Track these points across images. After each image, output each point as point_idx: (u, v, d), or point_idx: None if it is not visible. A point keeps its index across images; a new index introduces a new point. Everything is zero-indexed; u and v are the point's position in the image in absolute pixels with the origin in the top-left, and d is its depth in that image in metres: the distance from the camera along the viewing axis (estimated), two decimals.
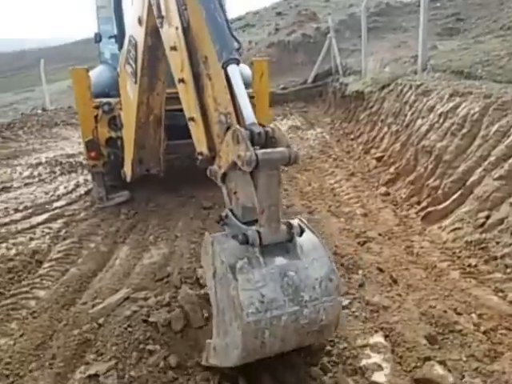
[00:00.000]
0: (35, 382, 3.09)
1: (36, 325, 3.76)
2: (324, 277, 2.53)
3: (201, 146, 3.00)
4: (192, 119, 3.11)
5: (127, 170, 5.82)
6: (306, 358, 3.21)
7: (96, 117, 6.37)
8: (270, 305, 2.38)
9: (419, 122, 7.28)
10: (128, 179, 5.90)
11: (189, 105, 3.15)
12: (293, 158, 2.49)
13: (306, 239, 2.63)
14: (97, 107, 6.34)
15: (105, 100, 6.36)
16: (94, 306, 3.94)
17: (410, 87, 8.25)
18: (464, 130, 6.10)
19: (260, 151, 2.44)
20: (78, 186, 7.98)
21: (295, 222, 2.64)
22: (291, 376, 3.00)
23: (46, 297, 4.23)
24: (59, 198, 7.31)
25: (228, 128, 2.73)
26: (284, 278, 2.45)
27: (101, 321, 3.68)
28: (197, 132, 3.08)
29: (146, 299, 3.85)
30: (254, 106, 7.09)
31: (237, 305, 2.36)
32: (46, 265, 4.91)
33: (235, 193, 2.77)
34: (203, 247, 2.81)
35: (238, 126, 2.62)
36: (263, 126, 2.62)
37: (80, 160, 9.67)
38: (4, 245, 5.40)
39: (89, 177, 7.72)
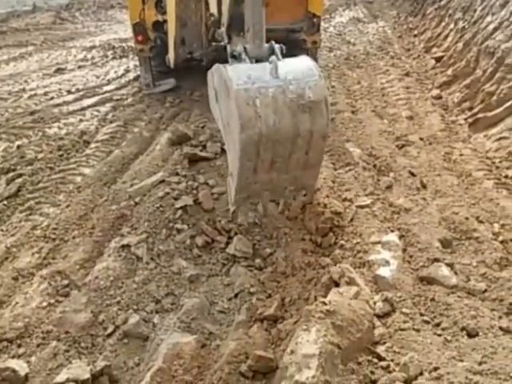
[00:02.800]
0: (76, 247, 3.50)
1: (80, 198, 4.14)
2: (305, 67, 2.99)
3: (212, 7, 3.65)
4: None
5: (171, 54, 5.79)
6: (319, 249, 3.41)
7: None
8: (256, 80, 2.80)
9: (488, 18, 6.57)
10: (172, 64, 5.87)
11: None
12: None
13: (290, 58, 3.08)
14: None
15: None
16: (132, 185, 4.24)
17: None
18: None
19: None
20: (127, 71, 8.11)
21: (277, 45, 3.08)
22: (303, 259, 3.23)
23: (90, 174, 4.59)
24: (109, 82, 7.51)
25: None
26: (269, 66, 2.88)
27: (137, 199, 3.99)
28: None
29: (178, 183, 4.09)
30: None
31: (228, 82, 2.79)
32: (92, 145, 5.24)
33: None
34: (208, 86, 3.43)
35: None
36: None
37: (132, 45, 9.67)
38: (56, 124, 5.77)
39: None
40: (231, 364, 2.43)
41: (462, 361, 2.14)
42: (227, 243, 3.58)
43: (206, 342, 2.71)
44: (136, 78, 7.61)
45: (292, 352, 2.03)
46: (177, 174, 4.30)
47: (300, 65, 3.03)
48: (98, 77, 7.78)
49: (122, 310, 2.92)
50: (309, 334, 2.06)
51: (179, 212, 3.74)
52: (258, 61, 3.08)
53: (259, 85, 2.79)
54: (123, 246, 3.44)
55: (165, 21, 6.06)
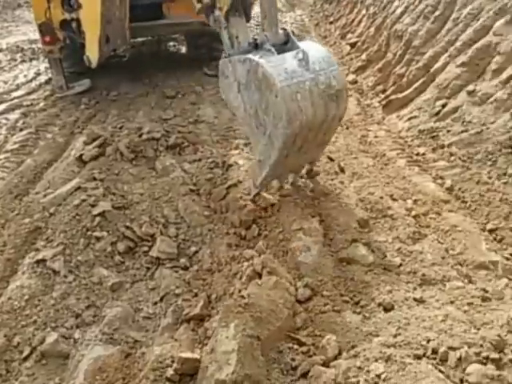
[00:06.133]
0: None
1: None
2: (324, 55, 3.26)
3: None
4: None
5: (92, 53, 5.53)
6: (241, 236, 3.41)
7: None
8: (293, 74, 3.04)
9: (396, 3, 6.87)
10: (93, 64, 5.60)
11: None
12: None
13: (302, 41, 3.37)
14: None
15: None
16: (46, 195, 4.01)
17: None
18: (437, 13, 5.81)
19: None
20: (38, 74, 7.67)
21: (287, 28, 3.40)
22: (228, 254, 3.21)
23: None
24: (18, 87, 7.06)
25: None
26: (296, 57, 3.14)
27: (52, 210, 3.78)
28: None
29: (95, 188, 3.92)
30: None
31: (269, 78, 2.98)
32: (1, 156, 4.89)
33: (237, 37, 3.36)
34: (220, 76, 3.46)
35: None
36: None
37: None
38: None
39: None
40: (156, 370, 2.35)
41: (378, 336, 2.21)
42: (151, 246, 3.49)
43: (130, 351, 2.61)
44: (48, 81, 7.21)
45: (212, 350, 2.00)
46: (94, 179, 4.12)
47: (319, 53, 3.26)
48: (5, 82, 7.28)
49: (39, 330, 2.75)
50: (228, 330, 2.04)
51: (97, 219, 3.58)
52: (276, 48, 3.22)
53: (298, 79, 3.04)
54: (38, 261, 3.25)
55: (73, 19, 5.78)
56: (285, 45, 3.33)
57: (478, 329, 2.17)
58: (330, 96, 3.18)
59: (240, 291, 2.67)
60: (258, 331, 2.08)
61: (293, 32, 3.49)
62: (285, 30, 3.38)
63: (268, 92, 3.05)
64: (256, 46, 3.25)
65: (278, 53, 3.18)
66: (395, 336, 2.19)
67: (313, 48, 3.29)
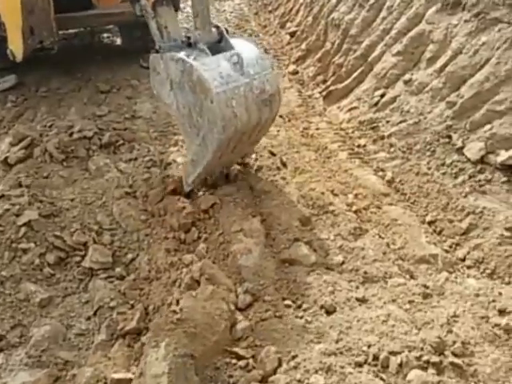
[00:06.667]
0: None
1: None
2: (257, 57, 3.27)
3: None
4: None
5: (15, 47, 5.11)
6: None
7: None
8: (228, 79, 3.01)
9: None
10: (19, 57, 5.17)
11: None
12: None
13: (233, 39, 3.33)
14: None
15: None
16: None
17: None
18: (371, 1, 5.81)
19: None
20: None
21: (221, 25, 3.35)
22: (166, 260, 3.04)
23: None
24: None
25: None
26: (230, 60, 3.10)
27: None
28: None
29: (20, 196, 3.62)
30: None
31: (204, 83, 2.93)
32: None
33: (166, 27, 3.25)
34: (152, 72, 3.34)
35: None
36: None
37: None
38: None
39: None
40: None
41: (319, 342, 2.14)
42: (84, 256, 3.27)
43: (59, 373, 2.42)
44: None
45: (141, 374, 1.85)
46: (19, 186, 3.81)
47: (252, 54, 3.25)
48: None
49: None
50: (158, 351, 1.89)
51: (23, 229, 3.31)
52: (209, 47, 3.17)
53: (233, 85, 3.01)
54: None
55: None
56: (218, 43, 3.29)
57: (419, 329, 2.15)
58: (264, 101, 3.21)
59: (178, 302, 2.54)
60: (192, 348, 1.95)
61: (226, 30, 3.35)
62: (218, 27, 3.33)
63: (203, 96, 3.00)
64: (189, 45, 3.18)
65: (212, 52, 3.13)
66: (337, 342, 2.13)
67: (246, 49, 3.26)
